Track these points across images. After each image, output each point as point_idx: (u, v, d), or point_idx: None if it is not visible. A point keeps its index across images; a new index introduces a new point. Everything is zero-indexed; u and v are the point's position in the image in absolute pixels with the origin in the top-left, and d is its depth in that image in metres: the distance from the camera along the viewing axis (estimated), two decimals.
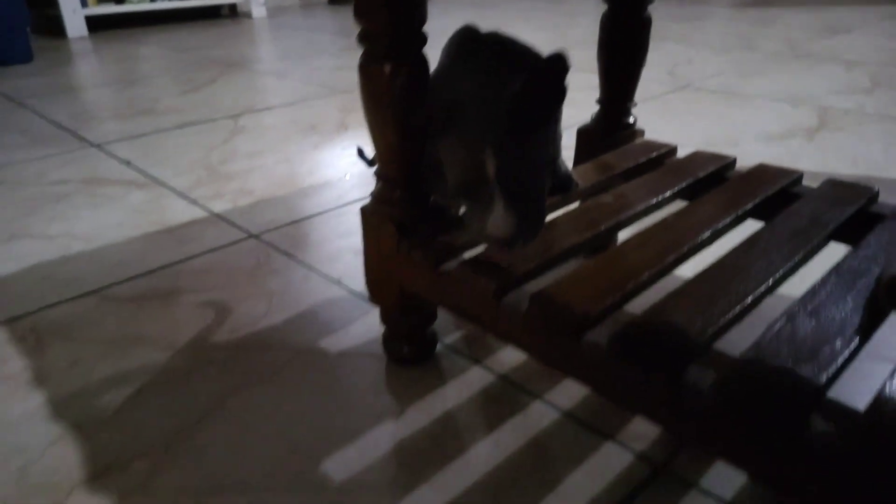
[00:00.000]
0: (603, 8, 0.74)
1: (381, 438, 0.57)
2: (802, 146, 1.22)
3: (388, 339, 0.66)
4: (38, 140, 1.37)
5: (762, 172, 0.69)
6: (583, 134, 0.80)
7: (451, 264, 0.55)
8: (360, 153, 0.78)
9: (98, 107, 1.63)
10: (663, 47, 2.20)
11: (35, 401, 0.62)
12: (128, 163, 1.23)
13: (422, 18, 0.52)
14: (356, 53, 2.26)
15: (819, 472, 0.35)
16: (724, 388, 0.39)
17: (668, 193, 0.65)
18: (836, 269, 0.50)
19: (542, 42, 2.30)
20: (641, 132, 0.82)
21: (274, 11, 3.48)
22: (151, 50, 2.46)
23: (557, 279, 0.50)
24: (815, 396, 0.38)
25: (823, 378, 0.39)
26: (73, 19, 2.70)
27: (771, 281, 0.49)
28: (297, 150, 1.28)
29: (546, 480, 0.52)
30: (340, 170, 1.18)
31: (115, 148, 1.31)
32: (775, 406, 0.37)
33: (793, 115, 1.41)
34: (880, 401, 0.38)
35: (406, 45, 0.53)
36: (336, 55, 2.24)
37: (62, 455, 0.55)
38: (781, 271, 0.50)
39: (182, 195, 1.08)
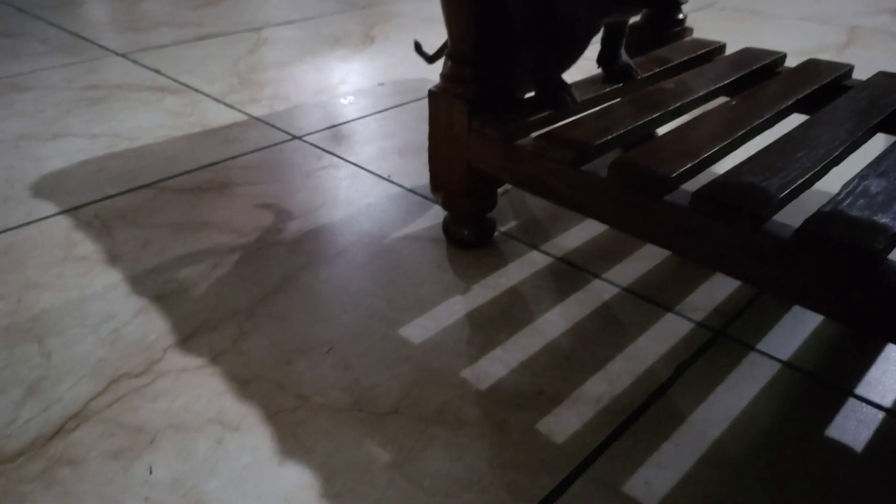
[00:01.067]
0: None
1: (453, 309, 0.60)
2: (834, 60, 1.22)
3: (450, 223, 0.68)
4: (60, 48, 1.35)
5: (814, 65, 0.71)
6: (636, 30, 0.81)
7: (526, 139, 0.57)
8: (418, 48, 0.78)
9: (114, 19, 1.60)
10: None
11: (115, 276, 0.64)
12: (157, 71, 1.22)
13: None
14: None
15: (893, 306, 0.38)
16: (806, 233, 0.41)
17: (726, 81, 0.66)
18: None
19: None
20: (691, 30, 0.82)
21: None
22: None
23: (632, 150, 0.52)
24: (889, 241, 0.41)
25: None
26: None
27: (839, 151, 0.51)
28: (325, 61, 1.27)
29: (613, 343, 0.56)
30: (372, 79, 1.17)
31: (139, 57, 1.30)
32: (854, 249, 0.40)
33: (821, 32, 1.41)
34: None
35: None
36: None
37: (151, 321, 0.58)
38: (847, 144, 0.52)
39: (217, 100, 1.08)
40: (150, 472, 0.44)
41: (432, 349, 0.55)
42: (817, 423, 0.47)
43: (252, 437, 0.46)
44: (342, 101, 1.06)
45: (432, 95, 0.62)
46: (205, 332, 0.57)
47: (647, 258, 0.66)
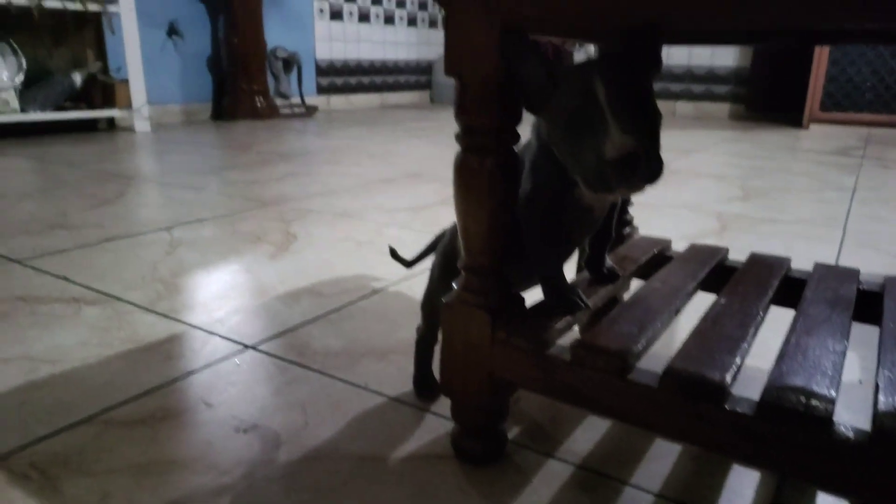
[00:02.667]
0: None
1: None
2: (718, 244, 1.39)
3: (461, 437, 0.64)
4: None
5: (758, 261, 0.79)
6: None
7: (557, 348, 0.56)
8: (394, 254, 0.78)
9: (0, 221, 1.46)
10: None
11: None
12: (65, 278, 1.10)
13: (519, 117, 0.57)
14: (266, 168, 2.25)
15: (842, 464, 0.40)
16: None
17: (701, 277, 0.72)
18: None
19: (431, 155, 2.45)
20: (636, 228, 0.90)
21: (156, 127, 3.39)
22: (33, 164, 2.27)
23: (671, 354, 0.53)
24: (829, 406, 0.43)
25: (833, 394, 0.45)
26: None
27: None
28: (253, 261, 1.23)
29: None
30: (310, 277, 1.14)
31: (39, 263, 1.18)
32: (798, 417, 0.42)
33: (696, 219, 1.61)
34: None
35: (505, 140, 0.56)
36: (245, 169, 2.22)
37: None
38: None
39: (146, 309, 0.99)
40: None
41: None
42: None
43: None
44: (236, 361, 1.01)
45: (448, 307, 0.60)
46: None
47: (662, 457, 0.65)
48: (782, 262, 0.77)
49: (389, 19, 5.06)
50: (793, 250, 1.34)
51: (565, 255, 0.64)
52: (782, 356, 0.53)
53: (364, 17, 4.81)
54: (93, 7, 2.91)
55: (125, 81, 3.10)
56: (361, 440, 0.67)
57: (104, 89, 3.10)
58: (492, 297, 0.59)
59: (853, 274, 0.74)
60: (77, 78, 3.05)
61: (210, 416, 0.70)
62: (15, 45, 2.86)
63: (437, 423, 0.70)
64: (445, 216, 1.58)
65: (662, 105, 4.77)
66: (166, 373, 0.80)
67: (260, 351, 0.86)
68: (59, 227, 1.44)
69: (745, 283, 0.70)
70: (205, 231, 1.43)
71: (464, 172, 0.57)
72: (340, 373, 0.81)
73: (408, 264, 0.81)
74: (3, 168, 2.18)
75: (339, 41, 4.63)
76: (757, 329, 0.60)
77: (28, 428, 0.67)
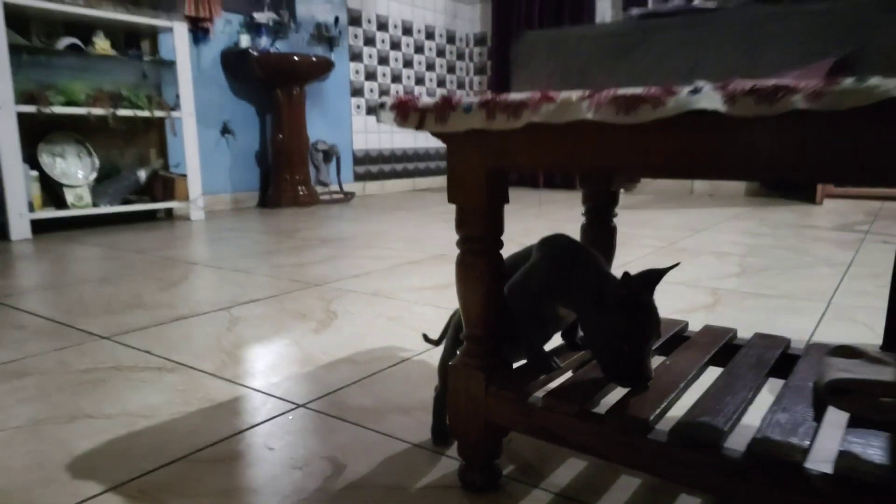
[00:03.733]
0: None
1: None
2: (707, 317, 1.56)
3: (465, 471, 0.82)
4: (41, 334, 1.45)
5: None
6: None
7: (535, 398, 0.76)
8: (426, 338, 1.00)
9: (83, 303, 1.73)
10: None
11: None
12: (148, 351, 1.34)
13: (501, 230, 0.78)
14: (308, 252, 2.51)
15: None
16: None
17: (707, 358, 0.90)
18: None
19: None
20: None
21: (209, 214, 3.73)
22: (105, 251, 2.58)
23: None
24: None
25: (808, 444, 0.62)
26: (19, 223, 2.80)
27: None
28: (300, 335, 1.45)
29: None
30: (348, 349, 1.35)
31: (124, 339, 1.42)
32: (777, 463, 0.60)
33: (691, 294, 1.79)
34: None
35: (492, 246, 0.78)
36: (290, 253, 2.48)
37: None
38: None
39: (215, 376, 1.20)
40: None
41: None
42: None
43: None
44: (289, 416, 1.21)
45: (453, 369, 0.81)
46: None
47: (624, 488, 0.82)
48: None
49: None
50: (774, 322, 1.51)
51: (543, 341, 0.84)
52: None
53: None
54: (159, 114, 3.32)
55: (184, 176, 3.46)
56: (388, 475, 0.86)
57: (165, 183, 3.47)
58: (486, 360, 0.79)
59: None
60: (142, 174, 3.43)
61: (272, 457, 0.90)
62: (90, 148, 3.26)
63: (449, 463, 0.88)
64: None
65: (679, 184, 5.00)
66: (236, 425, 1.00)
67: (308, 408, 1.07)
68: (136, 307, 1.69)
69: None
70: (258, 309, 1.67)
71: (463, 268, 0.78)
72: (372, 425, 1.00)
73: (435, 343, 1.02)
74: (83, 256, 2.48)
75: (373, 133, 5.03)
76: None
77: (136, 465, 0.88)
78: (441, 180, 5.84)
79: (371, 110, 5.00)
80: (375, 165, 5.10)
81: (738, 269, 2.13)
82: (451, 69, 5.77)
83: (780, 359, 0.87)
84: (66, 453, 0.91)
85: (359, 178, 4.97)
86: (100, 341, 1.41)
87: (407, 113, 0.73)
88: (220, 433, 0.98)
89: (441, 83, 5.69)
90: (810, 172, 0.56)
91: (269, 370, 1.24)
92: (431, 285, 1.93)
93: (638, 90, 0.58)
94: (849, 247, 2.54)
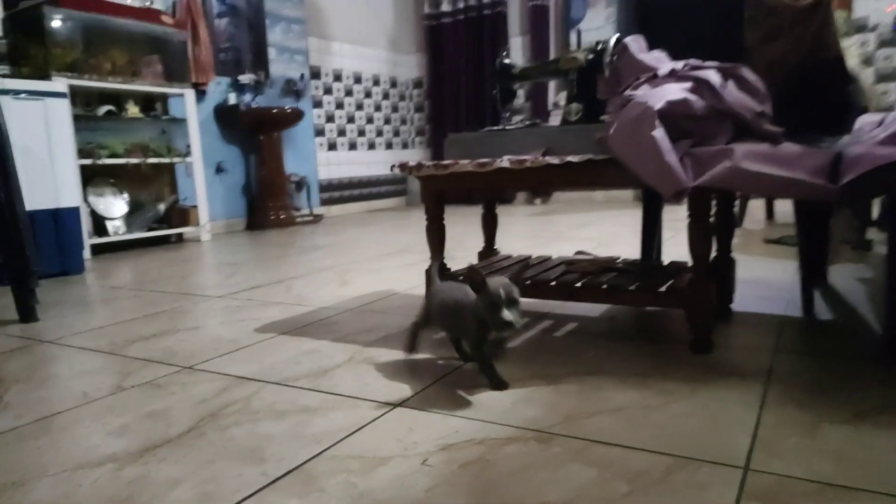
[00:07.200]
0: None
1: None
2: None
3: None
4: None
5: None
6: None
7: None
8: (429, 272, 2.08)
9: (240, 282, 2.72)
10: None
11: None
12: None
13: (442, 215, 1.88)
14: (310, 253, 3.55)
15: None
16: None
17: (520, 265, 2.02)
18: None
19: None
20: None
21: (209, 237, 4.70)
22: (163, 262, 3.55)
23: None
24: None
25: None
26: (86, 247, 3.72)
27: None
28: (335, 288, 2.51)
29: None
30: (360, 291, 2.42)
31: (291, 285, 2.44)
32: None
33: (566, 251, 2.93)
34: None
35: (438, 220, 1.88)
36: (299, 255, 3.51)
37: None
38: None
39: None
40: None
41: None
42: None
43: None
44: None
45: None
46: None
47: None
48: (528, 257, 2.09)
49: (371, 145, 6.59)
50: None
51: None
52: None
53: (352, 146, 6.34)
54: (175, 160, 4.30)
55: (195, 207, 4.44)
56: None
57: (179, 213, 4.43)
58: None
59: (529, 257, 2.05)
60: (161, 207, 4.38)
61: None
62: (121, 189, 4.20)
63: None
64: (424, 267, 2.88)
65: (584, 194, 6.25)
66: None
67: (351, 310, 2.13)
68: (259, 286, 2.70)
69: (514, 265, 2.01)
70: (302, 280, 2.71)
71: (429, 229, 1.88)
72: (378, 317, 2.08)
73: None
74: (161, 263, 3.44)
75: (335, 165, 6.11)
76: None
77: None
78: (391, 202, 6.93)
79: (332, 146, 6.07)
80: (337, 192, 6.16)
81: (595, 243, 3.30)
82: (395, 109, 6.92)
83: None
84: None
85: (324, 202, 6.01)
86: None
87: (403, 168, 1.83)
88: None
89: (387, 121, 6.82)
90: (551, 187, 1.69)
91: (318, 298, 2.29)
92: (403, 264, 3.02)
93: (485, 160, 1.70)
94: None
